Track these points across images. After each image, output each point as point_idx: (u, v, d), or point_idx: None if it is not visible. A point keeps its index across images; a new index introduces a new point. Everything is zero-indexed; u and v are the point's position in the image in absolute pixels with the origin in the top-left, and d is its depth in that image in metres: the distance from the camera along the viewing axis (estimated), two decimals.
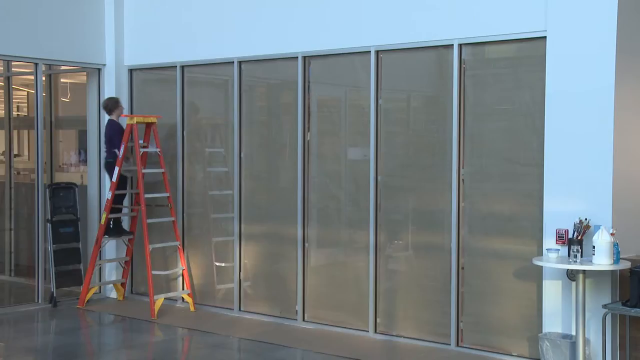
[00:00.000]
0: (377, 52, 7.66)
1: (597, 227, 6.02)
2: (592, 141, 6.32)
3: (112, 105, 9.10)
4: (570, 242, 6.19)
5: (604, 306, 6.03)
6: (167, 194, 8.96)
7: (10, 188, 10.61)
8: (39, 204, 9.21)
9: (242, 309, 8.75)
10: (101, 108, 9.31)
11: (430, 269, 7.58)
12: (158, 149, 8.95)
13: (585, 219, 6.21)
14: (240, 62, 8.67)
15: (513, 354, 6.96)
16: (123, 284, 9.47)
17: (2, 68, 10.86)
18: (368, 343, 7.57)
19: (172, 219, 8.96)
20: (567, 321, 6.34)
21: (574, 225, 6.22)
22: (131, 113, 9.61)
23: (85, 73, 9.85)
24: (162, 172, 8.98)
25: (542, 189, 6.64)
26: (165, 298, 8.89)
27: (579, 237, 6.15)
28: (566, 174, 6.45)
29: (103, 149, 9.26)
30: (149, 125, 9.02)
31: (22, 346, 7.52)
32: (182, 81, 9.19)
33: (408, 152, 7.70)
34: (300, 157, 8.19)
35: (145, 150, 8.98)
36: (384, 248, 7.75)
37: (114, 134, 8.98)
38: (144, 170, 8.85)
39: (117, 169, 8.83)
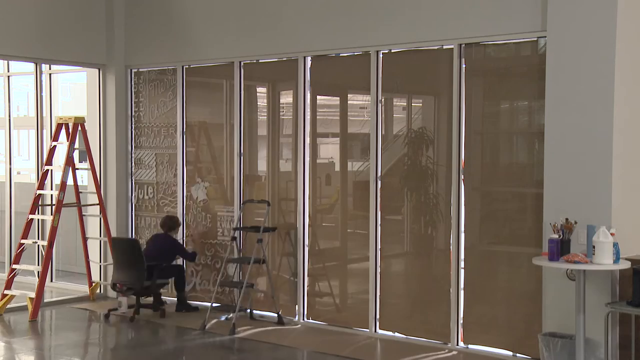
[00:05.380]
0: (378, 52, 7.67)
1: (592, 227, 6.05)
2: (592, 140, 6.33)
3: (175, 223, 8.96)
4: (562, 244, 6.21)
5: (608, 304, 6.04)
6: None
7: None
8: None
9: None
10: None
11: (430, 268, 7.59)
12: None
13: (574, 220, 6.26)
14: (240, 62, 8.69)
15: (513, 353, 6.97)
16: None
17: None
18: (369, 342, 7.58)
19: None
20: (567, 321, 6.34)
21: (558, 227, 6.24)
22: (131, 113, 9.62)
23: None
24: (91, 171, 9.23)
25: (542, 188, 6.65)
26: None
27: (568, 238, 6.22)
28: (566, 173, 6.46)
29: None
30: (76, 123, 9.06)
31: None
32: (184, 81, 9.20)
33: (409, 152, 7.71)
34: (300, 158, 8.21)
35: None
36: (385, 247, 7.76)
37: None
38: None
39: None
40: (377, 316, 7.76)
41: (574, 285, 6.14)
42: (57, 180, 9.24)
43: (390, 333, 7.70)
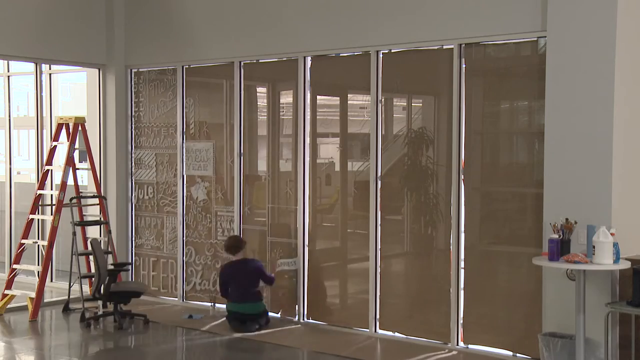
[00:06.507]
0: (378, 52, 7.67)
1: (592, 227, 6.05)
2: (592, 140, 6.33)
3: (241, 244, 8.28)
4: (562, 244, 6.21)
5: (608, 304, 6.04)
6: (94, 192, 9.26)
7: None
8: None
9: None
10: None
11: (430, 268, 7.60)
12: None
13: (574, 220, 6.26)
14: (240, 62, 8.69)
15: (513, 353, 6.97)
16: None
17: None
18: (369, 342, 7.58)
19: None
20: (567, 321, 6.35)
21: (558, 227, 6.23)
22: (131, 113, 9.62)
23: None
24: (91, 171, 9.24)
25: (542, 188, 6.65)
26: None
27: (568, 238, 6.22)
28: (566, 173, 6.46)
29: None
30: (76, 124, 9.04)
31: None
32: (184, 81, 9.19)
33: (409, 152, 7.71)
34: (300, 158, 8.21)
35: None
36: (385, 247, 7.76)
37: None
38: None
39: None
40: (377, 316, 7.76)
41: (574, 285, 6.14)
42: (58, 180, 9.25)
43: (390, 333, 7.70)
